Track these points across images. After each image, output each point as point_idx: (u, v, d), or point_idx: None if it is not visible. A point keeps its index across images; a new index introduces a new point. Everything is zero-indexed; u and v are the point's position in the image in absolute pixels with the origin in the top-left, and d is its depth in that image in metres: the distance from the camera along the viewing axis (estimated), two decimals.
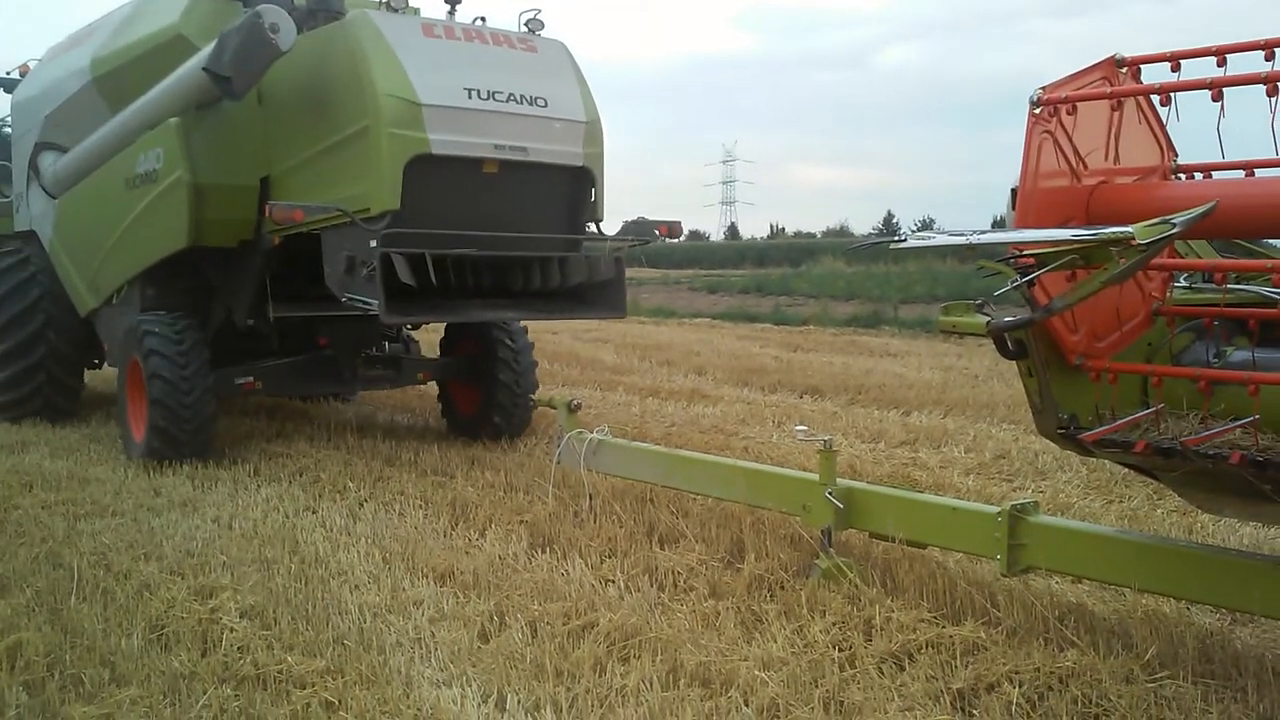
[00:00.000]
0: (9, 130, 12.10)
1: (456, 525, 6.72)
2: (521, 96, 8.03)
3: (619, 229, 8.99)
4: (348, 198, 7.63)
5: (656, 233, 9.23)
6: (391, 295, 7.34)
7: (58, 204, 10.59)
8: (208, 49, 8.00)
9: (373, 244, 7.36)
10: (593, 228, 8.75)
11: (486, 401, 9.75)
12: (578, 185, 8.52)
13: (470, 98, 7.80)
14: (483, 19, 8.47)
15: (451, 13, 8.51)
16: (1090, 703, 4.04)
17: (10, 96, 11.84)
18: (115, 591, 5.38)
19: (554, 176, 8.37)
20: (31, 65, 11.83)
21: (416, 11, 8.56)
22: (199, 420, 8.51)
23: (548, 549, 6.12)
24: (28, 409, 10.49)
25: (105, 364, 10.96)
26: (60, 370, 10.63)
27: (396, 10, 7.95)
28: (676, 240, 10.53)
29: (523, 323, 9.95)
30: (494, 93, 7.90)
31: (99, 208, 9.90)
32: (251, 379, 9.14)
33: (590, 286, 8.64)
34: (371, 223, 7.44)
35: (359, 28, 7.79)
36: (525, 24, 8.51)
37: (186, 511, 7.09)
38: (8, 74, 12.46)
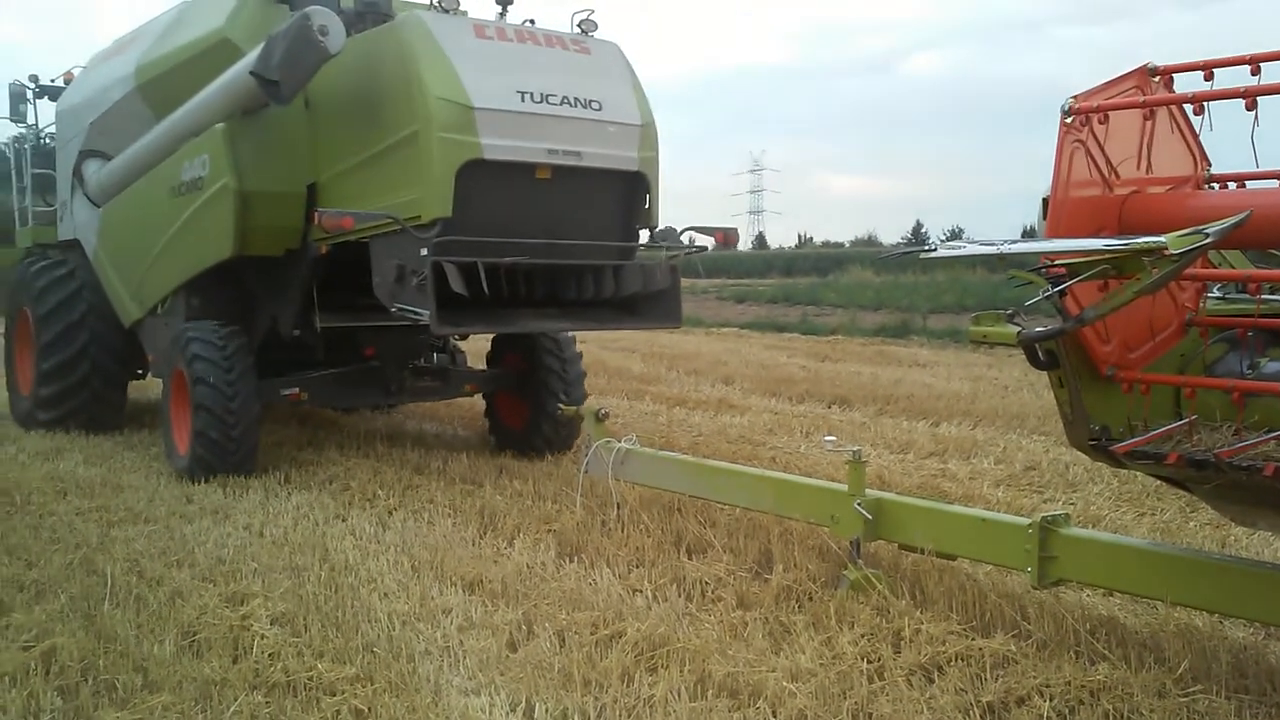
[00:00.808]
0: (50, 139, 12.17)
1: (485, 534, 6.74)
2: (575, 99, 7.82)
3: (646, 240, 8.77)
4: (398, 205, 7.46)
5: (713, 240, 8.97)
6: (442, 305, 7.18)
7: (102, 212, 10.55)
8: (254, 53, 7.88)
9: (423, 252, 7.21)
10: (646, 235, 8.55)
11: (535, 414, 9.52)
12: (632, 191, 8.32)
13: (523, 101, 7.59)
14: (532, 21, 8.31)
15: (503, 14, 8.35)
16: (1122, 717, 4.01)
17: (55, 104, 11.82)
18: (148, 598, 5.43)
19: (608, 182, 8.16)
20: (76, 73, 11.81)
21: (465, 13, 8.25)
22: (244, 429, 8.31)
23: (575, 558, 6.13)
24: (72, 420, 10.45)
25: (149, 375, 10.89)
26: (105, 381, 10.55)
27: (447, 11, 7.72)
28: (732, 248, 10.04)
29: (572, 334, 9.72)
30: (547, 95, 7.69)
31: (143, 216, 9.80)
32: (297, 390, 8.95)
33: (644, 296, 8.39)
34: (422, 230, 7.29)
35: (410, 29, 7.63)
36: (578, 25, 8.29)
37: (218, 519, 7.15)
38: (52, 81, 12.48)
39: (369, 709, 4.15)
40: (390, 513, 7.31)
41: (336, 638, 4.86)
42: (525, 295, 7.80)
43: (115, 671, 4.51)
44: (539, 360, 9.55)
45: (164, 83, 9.53)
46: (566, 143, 7.75)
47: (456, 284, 7.15)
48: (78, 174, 10.91)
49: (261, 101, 8.18)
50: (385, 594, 5.50)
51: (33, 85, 12.37)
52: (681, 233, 8.76)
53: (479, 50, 7.64)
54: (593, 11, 8.32)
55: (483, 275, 7.28)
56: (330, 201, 8.18)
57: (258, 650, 4.71)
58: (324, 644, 4.79)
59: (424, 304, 7.20)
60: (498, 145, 7.46)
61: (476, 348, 11.17)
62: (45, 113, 12.45)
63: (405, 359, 9.60)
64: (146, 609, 5.28)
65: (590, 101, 7.90)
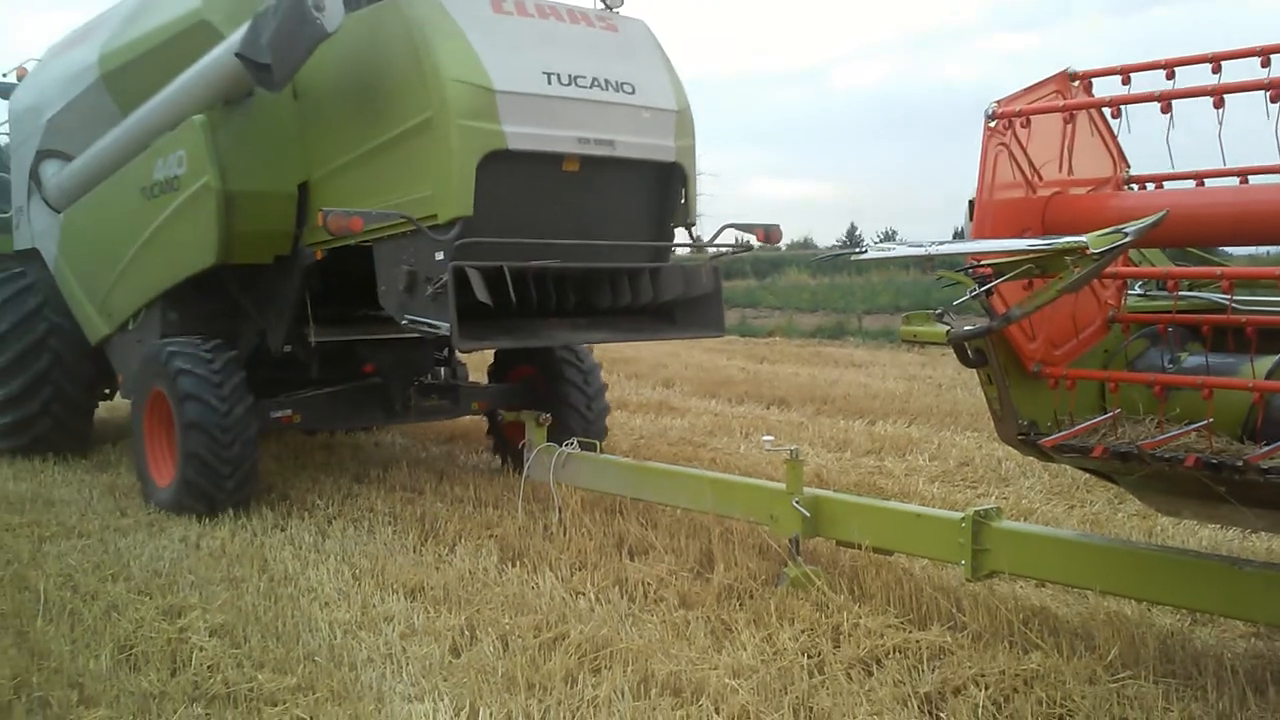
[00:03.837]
0: (5, 139, 11.07)
1: (426, 541, 6.71)
2: (606, 82, 6.96)
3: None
4: (408, 203, 6.63)
5: (754, 238, 8.05)
6: (461, 317, 6.35)
7: (63, 218, 9.52)
8: (238, 34, 6.95)
9: (439, 256, 6.43)
10: (683, 234, 7.78)
11: (554, 430, 7.98)
12: (667, 184, 7.47)
13: (550, 83, 6.74)
14: None
15: None
16: (1055, 704, 4.10)
17: (6, 102, 10.75)
18: (82, 612, 5.35)
19: (641, 174, 7.33)
20: (29, 67, 10.85)
21: None
22: (241, 450, 7.37)
23: (518, 563, 6.13)
24: (35, 448, 9.48)
25: (118, 395, 9.89)
26: (69, 405, 9.55)
27: None
28: (775, 245, 9.01)
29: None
30: (575, 78, 6.83)
31: (111, 221, 8.81)
32: (289, 412, 7.93)
33: (682, 302, 7.60)
34: (439, 231, 6.47)
35: (419, 3, 6.73)
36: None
37: (153, 531, 7.04)
38: (4, 77, 11.59)
39: (311, 718, 4.13)
40: (330, 522, 7.24)
41: (277, 648, 4.83)
42: (556, 303, 7.01)
43: (50, 688, 4.42)
44: (558, 372, 8.71)
45: (132, 72, 8.53)
46: (598, 130, 6.92)
47: (481, 292, 6.35)
48: (35, 177, 9.91)
49: (245, 89, 7.43)
50: (326, 603, 5.46)
51: None
52: (722, 230, 7.99)
53: (498, 26, 6.81)
54: None
55: (509, 281, 6.51)
56: (325, 201, 7.20)
57: (196, 662, 4.66)
58: (264, 654, 4.75)
59: (442, 315, 6.42)
60: (523, 134, 6.61)
61: (474, 359, 10.45)
62: None
63: (410, 375, 8.64)
64: (81, 624, 5.20)
65: (622, 84, 7.06)
